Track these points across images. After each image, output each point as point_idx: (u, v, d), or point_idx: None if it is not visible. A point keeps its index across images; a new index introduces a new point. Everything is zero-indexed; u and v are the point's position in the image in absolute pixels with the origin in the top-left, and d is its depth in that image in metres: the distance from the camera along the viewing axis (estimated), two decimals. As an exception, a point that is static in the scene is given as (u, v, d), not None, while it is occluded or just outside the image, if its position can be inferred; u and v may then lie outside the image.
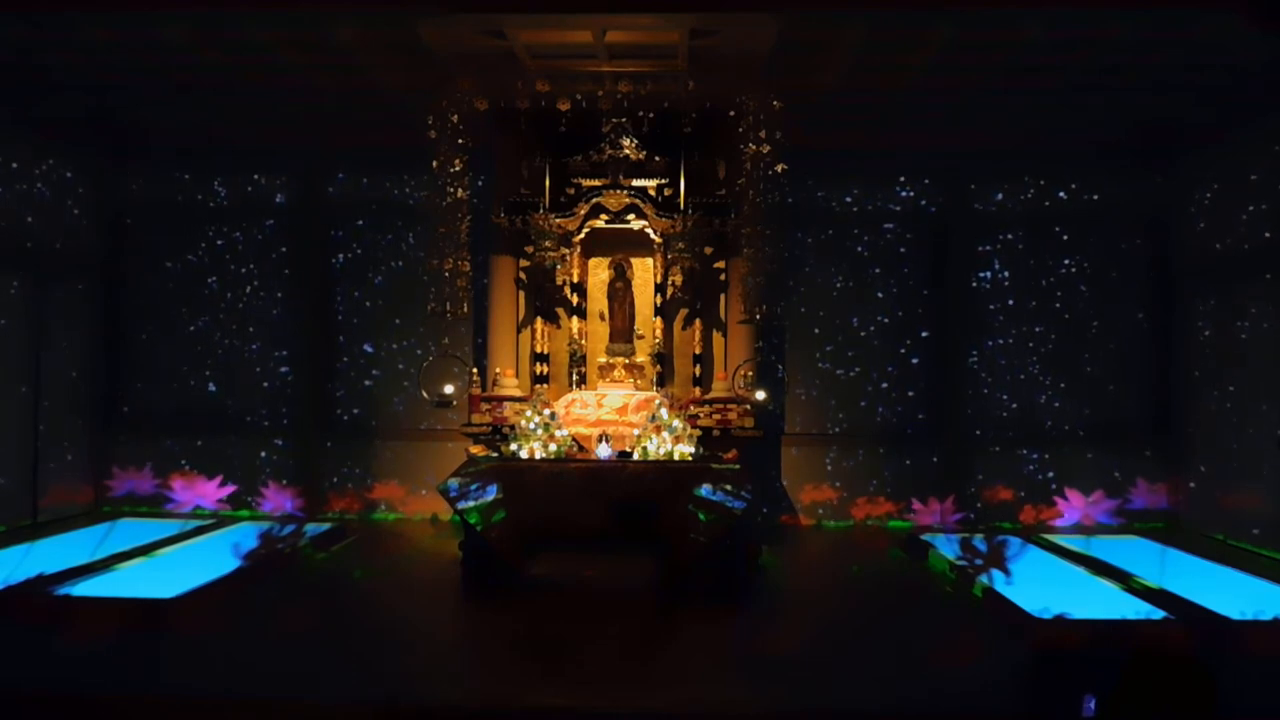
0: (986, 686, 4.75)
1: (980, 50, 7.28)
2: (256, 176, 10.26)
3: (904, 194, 10.10)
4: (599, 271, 8.70)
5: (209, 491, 9.89)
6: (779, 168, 7.53)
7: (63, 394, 9.53)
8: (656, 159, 8.14)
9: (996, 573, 6.68)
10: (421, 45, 7.11)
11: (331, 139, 9.64)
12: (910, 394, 10.00)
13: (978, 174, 10.02)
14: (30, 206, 9.09)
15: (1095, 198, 10.04)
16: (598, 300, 8.67)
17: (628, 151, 8.07)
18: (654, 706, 4.69)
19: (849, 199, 10.16)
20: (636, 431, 7.22)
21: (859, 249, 10.11)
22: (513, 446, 7.13)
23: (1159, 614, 5.92)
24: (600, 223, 8.30)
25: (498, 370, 8.34)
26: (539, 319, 8.57)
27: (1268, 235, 8.28)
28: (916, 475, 9.88)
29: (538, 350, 8.54)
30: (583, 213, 8.19)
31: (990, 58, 7.38)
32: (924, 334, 10.01)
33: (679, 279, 8.39)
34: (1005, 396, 9.98)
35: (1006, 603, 6.14)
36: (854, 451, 9.94)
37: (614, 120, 8.06)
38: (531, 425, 7.15)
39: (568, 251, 8.35)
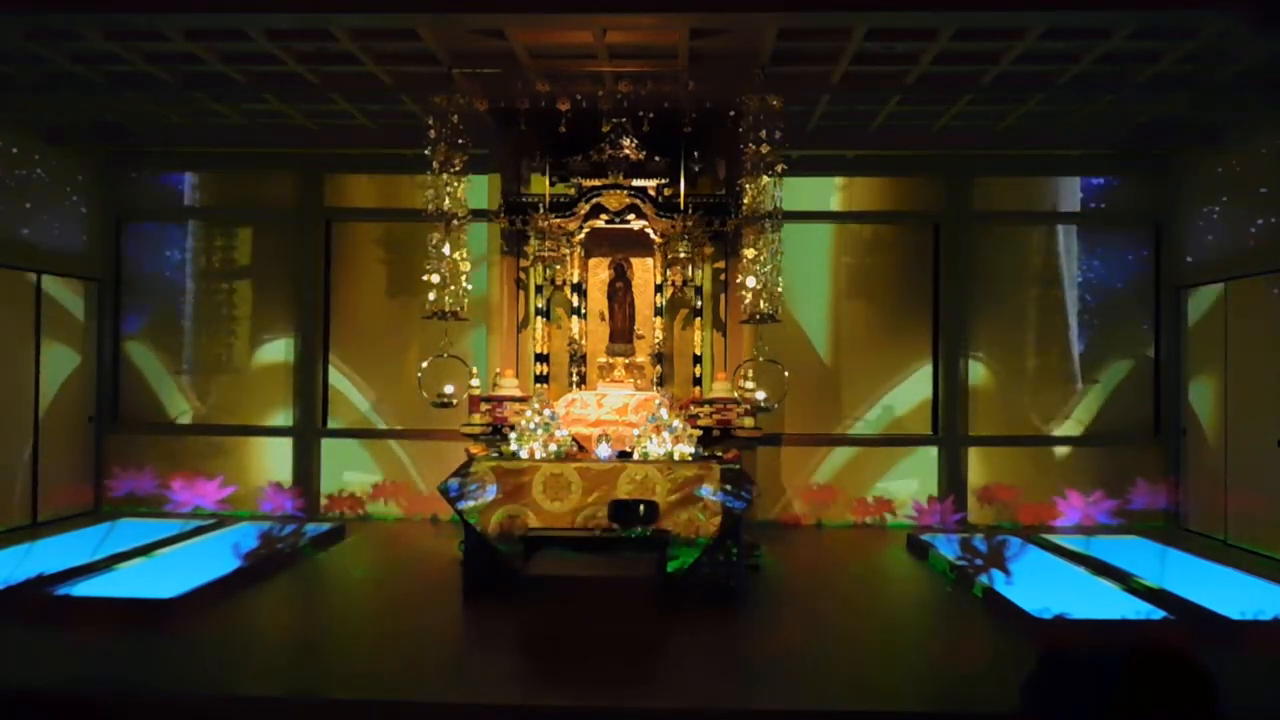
0: (986, 686, 4.76)
1: (981, 50, 7.29)
2: (256, 175, 10.28)
3: (904, 194, 10.12)
4: (599, 271, 8.70)
5: (209, 491, 9.90)
6: (779, 168, 7.53)
7: (63, 393, 9.54)
8: (656, 159, 8.14)
9: (996, 573, 6.69)
10: (421, 45, 7.11)
11: (330, 138, 9.65)
12: (910, 393, 10.01)
13: (978, 174, 10.03)
14: (31, 204, 9.11)
15: (1096, 198, 10.08)
16: (598, 300, 8.67)
17: (628, 151, 8.07)
18: (654, 706, 4.69)
19: (849, 198, 10.19)
20: (636, 431, 7.22)
21: (859, 248, 10.14)
22: (513, 446, 7.14)
23: (1159, 614, 5.93)
24: (600, 223, 8.30)
25: (498, 370, 8.34)
26: (539, 319, 8.57)
27: (1268, 237, 8.28)
28: (917, 475, 9.90)
29: (538, 350, 8.54)
30: (583, 213, 8.20)
31: (991, 58, 7.39)
32: (924, 333, 10.01)
33: (679, 279, 8.40)
34: (1005, 396, 9.99)
35: (1006, 603, 6.14)
36: (854, 451, 9.95)
37: (614, 120, 8.06)
38: (531, 425, 7.16)
39: (568, 251, 8.35)
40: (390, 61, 7.58)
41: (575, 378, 8.42)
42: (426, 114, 7.73)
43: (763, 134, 7.45)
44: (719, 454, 7.24)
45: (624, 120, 8.06)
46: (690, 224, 8.18)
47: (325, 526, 8.85)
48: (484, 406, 7.96)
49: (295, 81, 8.01)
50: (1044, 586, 6.55)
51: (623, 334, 8.58)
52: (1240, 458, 8.65)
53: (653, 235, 8.34)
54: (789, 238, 7.83)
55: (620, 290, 8.65)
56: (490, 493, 6.80)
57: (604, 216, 8.25)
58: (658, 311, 8.47)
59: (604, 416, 7.58)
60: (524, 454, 7.03)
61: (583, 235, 8.35)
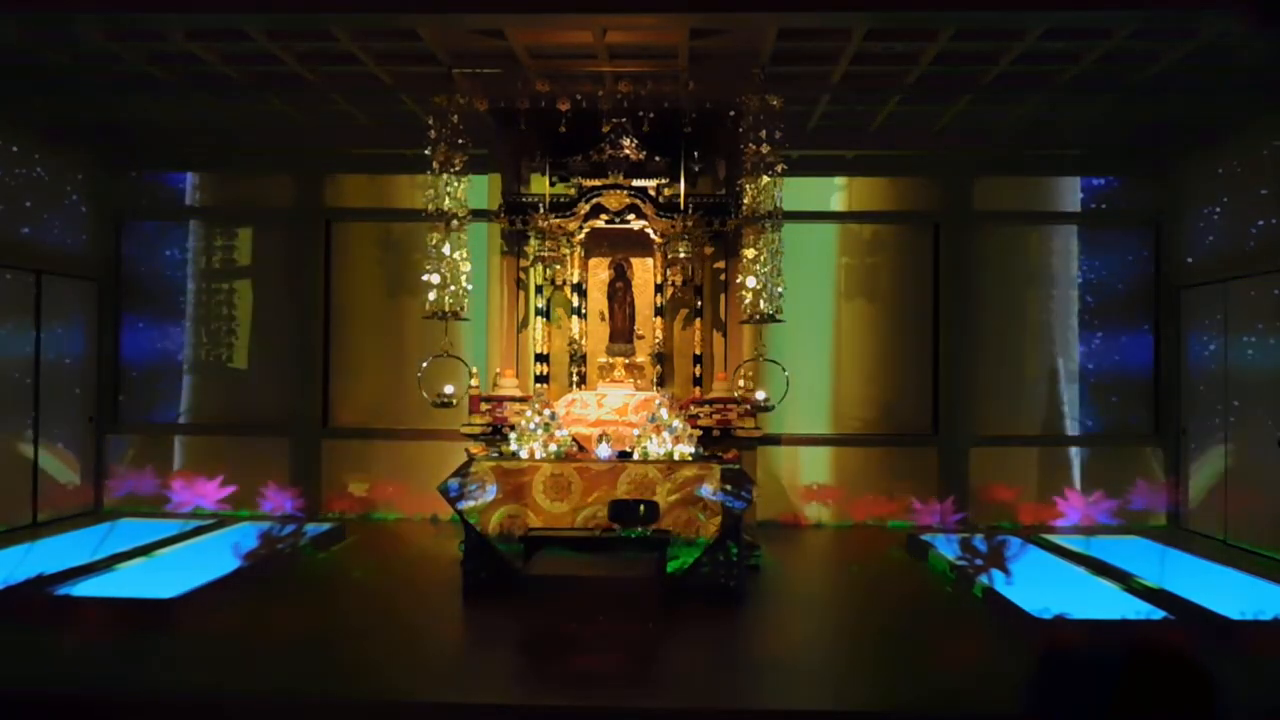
0: (986, 687, 4.76)
1: (981, 50, 7.29)
2: (256, 175, 10.28)
3: (904, 194, 10.12)
4: (599, 271, 8.70)
5: (209, 491, 9.90)
6: (779, 168, 7.54)
7: (63, 393, 9.53)
8: (656, 159, 8.14)
9: (996, 573, 6.68)
10: (422, 45, 7.11)
11: (331, 138, 9.66)
12: (911, 393, 10.01)
13: (978, 175, 10.04)
14: (31, 204, 9.10)
15: (1096, 198, 10.08)
16: (598, 300, 8.67)
17: (628, 151, 8.07)
18: (654, 706, 4.69)
19: (849, 198, 10.19)
20: (636, 431, 7.22)
21: (860, 248, 10.13)
22: (513, 446, 7.14)
23: (1159, 614, 5.93)
24: (600, 223, 8.30)
25: (498, 370, 8.34)
26: (539, 319, 8.57)
27: (1268, 238, 8.28)
28: (916, 475, 9.89)
29: (538, 350, 8.54)
30: (583, 213, 8.20)
31: (991, 58, 7.40)
32: (925, 333, 10.01)
33: (679, 279, 8.40)
34: (1005, 396, 9.99)
35: (1006, 603, 6.14)
36: (854, 451, 9.95)
37: (614, 120, 8.07)
38: (531, 425, 7.16)
39: (568, 251, 8.36)
40: (390, 61, 7.58)
41: (575, 378, 8.42)
42: (426, 114, 7.74)
43: (763, 134, 7.46)
44: (719, 454, 7.24)
45: (624, 120, 8.06)
46: (690, 224, 8.18)
47: (325, 526, 8.85)
48: (484, 406, 7.96)
49: (295, 81, 8.01)
50: (1044, 586, 6.54)
51: (623, 334, 8.58)
52: (1240, 458, 8.65)
53: (653, 235, 8.34)
54: (789, 238, 7.84)
55: (620, 290, 8.65)
56: (490, 493, 6.80)
57: (604, 216, 8.26)
58: (658, 311, 8.47)
59: (604, 416, 7.58)
60: (524, 454, 7.03)
61: (583, 235, 8.35)
